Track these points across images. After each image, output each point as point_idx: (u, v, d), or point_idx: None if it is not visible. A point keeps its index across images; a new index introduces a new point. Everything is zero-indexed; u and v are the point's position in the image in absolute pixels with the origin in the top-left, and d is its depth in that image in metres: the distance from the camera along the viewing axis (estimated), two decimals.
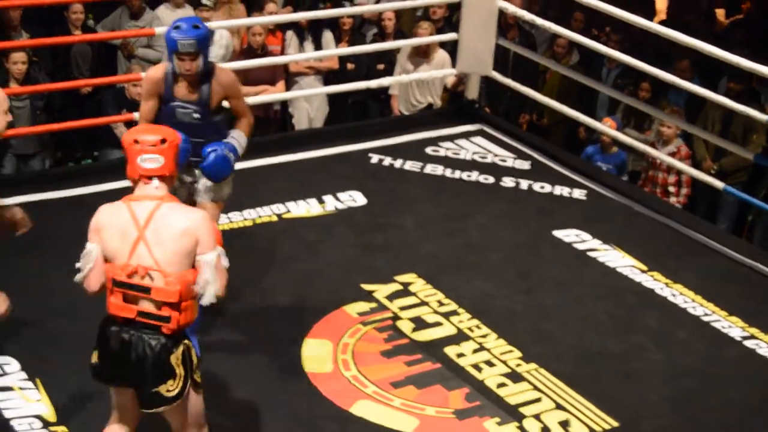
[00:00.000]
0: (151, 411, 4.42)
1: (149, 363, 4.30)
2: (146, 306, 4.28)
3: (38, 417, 5.22)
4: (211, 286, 4.27)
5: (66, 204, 7.25)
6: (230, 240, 6.88)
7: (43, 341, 5.79)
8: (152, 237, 4.24)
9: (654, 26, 7.79)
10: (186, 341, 4.38)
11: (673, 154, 8.39)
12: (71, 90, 8.64)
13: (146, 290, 4.26)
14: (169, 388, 4.35)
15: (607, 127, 8.50)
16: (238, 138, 5.73)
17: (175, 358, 4.33)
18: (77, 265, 4.42)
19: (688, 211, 8.43)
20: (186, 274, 4.27)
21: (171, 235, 4.23)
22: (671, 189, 8.54)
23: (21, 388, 5.41)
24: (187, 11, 9.20)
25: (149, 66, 8.81)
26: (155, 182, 4.32)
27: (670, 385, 5.84)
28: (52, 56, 8.95)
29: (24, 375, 5.50)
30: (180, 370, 4.35)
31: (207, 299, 4.29)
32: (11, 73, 7.94)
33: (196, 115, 5.68)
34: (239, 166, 8.20)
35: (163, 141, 4.31)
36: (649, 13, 11.14)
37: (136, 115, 7.76)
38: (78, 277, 4.41)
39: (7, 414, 5.23)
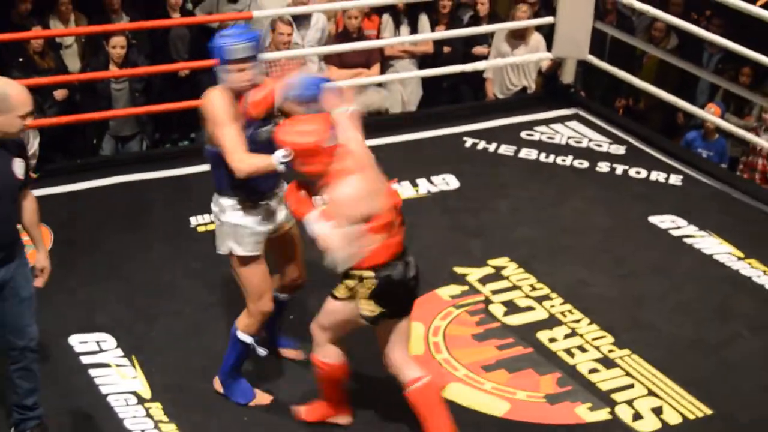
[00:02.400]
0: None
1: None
2: None
3: (134, 393, 5.31)
4: None
5: (163, 185, 7.36)
6: None
7: (139, 319, 5.89)
8: None
9: (756, 10, 7.64)
10: None
11: None
12: (169, 73, 8.75)
13: None
14: None
15: (710, 113, 8.35)
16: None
17: None
18: None
19: None
20: None
21: None
22: None
23: (117, 365, 5.51)
24: None
25: None
26: None
27: (766, 374, 5.74)
28: (151, 39, 9.07)
29: (120, 352, 5.60)
30: None
31: None
32: (111, 57, 8.07)
33: (273, 130, 4.95)
34: None
35: None
36: None
37: None
38: None
39: (103, 390, 5.34)
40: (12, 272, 4.68)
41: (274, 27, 8.32)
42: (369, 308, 4.78)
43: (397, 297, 4.82)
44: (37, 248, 4.81)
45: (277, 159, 4.69)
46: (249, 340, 5.14)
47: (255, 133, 4.89)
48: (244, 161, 4.78)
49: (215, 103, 4.84)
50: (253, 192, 4.99)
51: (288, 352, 5.65)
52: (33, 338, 4.78)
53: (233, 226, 5.00)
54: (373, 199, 4.72)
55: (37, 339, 4.80)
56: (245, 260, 5.04)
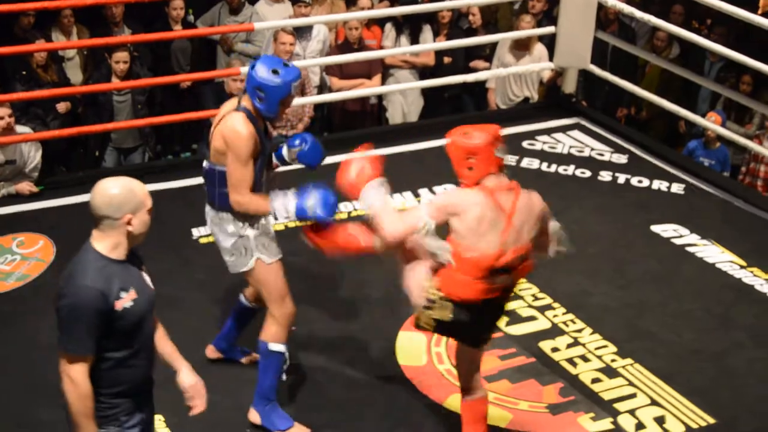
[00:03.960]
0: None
1: None
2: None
3: None
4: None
5: (165, 196, 7.35)
6: None
7: None
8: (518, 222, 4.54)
9: (757, 19, 7.65)
10: None
11: None
12: (171, 85, 8.76)
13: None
14: None
15: (711, 121, 8.36)
16: None
17: None
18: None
19: None
20: None
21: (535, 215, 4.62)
22: None
23: None
24: (286, 6, 9.28)
25: (248, 60, 8.93)
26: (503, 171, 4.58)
27: None
28: (153, 51, 9.10)
29: None
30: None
31: None
32: (114, 71, 8.08)
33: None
34: (336, 159, 8.26)
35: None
36: (754, 6, 10.94)
37: None
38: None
39: None
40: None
41: (276, 37, 8.35)
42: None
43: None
44: (177, 365, 4.25)
45: (278, 209, 4.88)
46: (282, 348, 5.08)
47: (269, 148, 5.07)
48: (246, 200, 4.90)
49: (243, 138, 4.82)
50: None
51: (248, 359, 5.67)
52: None
53: (258, 237, 5.02)
54: (487, 232, 4.48)
55: None
56: (271, 266, 5.06)
